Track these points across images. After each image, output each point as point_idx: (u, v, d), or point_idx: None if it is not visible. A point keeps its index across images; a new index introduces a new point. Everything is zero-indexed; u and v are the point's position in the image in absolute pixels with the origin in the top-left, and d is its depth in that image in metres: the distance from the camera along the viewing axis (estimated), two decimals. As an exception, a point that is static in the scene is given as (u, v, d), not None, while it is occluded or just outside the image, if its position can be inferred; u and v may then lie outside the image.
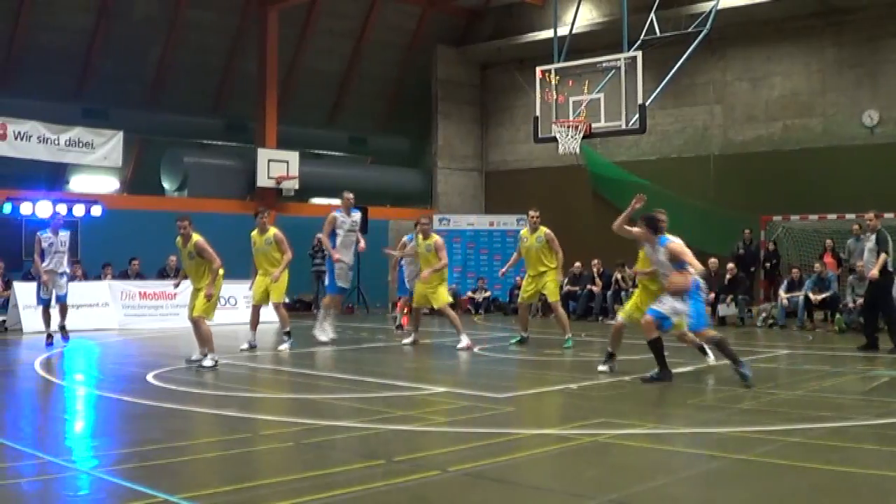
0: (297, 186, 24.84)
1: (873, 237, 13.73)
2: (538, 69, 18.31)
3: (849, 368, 12.27)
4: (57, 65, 23.69)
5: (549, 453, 6.84)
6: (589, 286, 22.13)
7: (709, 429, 7.71)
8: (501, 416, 8.34)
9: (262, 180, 24.23)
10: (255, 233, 14.24)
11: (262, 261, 14.20)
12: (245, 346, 14.00)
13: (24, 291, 17.72)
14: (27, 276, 18.46)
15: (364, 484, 5.73)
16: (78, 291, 18.59)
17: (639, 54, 16.99)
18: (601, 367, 11.15)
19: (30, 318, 17.35)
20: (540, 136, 18.52)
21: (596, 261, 22.03)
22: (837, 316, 18.04)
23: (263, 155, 24.44)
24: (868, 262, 13.86)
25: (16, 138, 20.34)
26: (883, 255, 13.46)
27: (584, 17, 23.69)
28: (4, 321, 18.14)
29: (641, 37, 18.00)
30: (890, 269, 13.65)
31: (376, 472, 6.10)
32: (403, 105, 29.99)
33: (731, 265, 20.12)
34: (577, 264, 22.43)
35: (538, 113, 18.42)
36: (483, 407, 8.69)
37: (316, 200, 28.34)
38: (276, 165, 24.54)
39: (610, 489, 5.80)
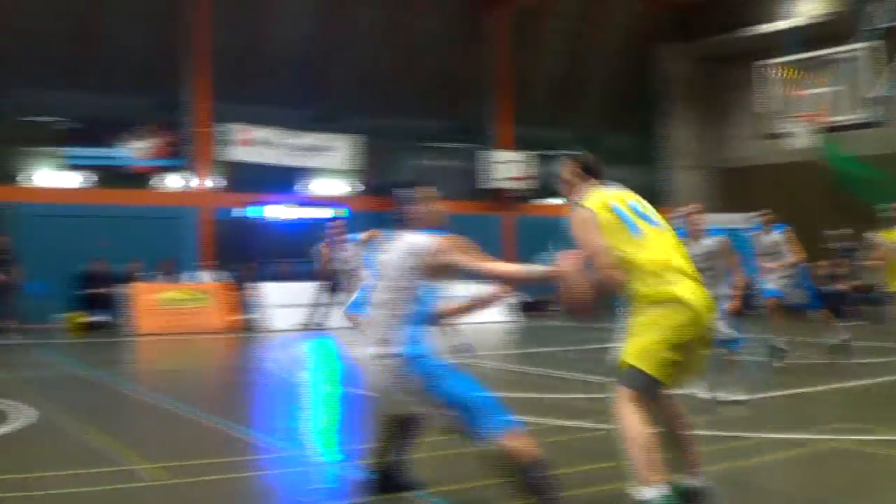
0: (533, 187, 25.38)
1: None
2: (767, 62, 17.83)
3: None
4: (286, 72, 24.31)
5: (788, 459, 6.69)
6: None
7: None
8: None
9: (496, 182, 25.47)
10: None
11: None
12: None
13: (273, 291, 19.39)
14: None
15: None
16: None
17: (881, 43, 16.27)
18: None
19: (278, 316, 18.90)
20: (770, 131, 18.08)
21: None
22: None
23: (496, 157, 25.52)
24: None
25: (258, 144, 21.89)
26: None
27: (815, 8, 22.75)
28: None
29: (882, 24, 17.20)
30: None
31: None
32: (628, 103, 29.66)
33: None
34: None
35: (769, 108, 17.97)
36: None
37: (549, 201, 28.57)
38: (509, 167, 25.45)
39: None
